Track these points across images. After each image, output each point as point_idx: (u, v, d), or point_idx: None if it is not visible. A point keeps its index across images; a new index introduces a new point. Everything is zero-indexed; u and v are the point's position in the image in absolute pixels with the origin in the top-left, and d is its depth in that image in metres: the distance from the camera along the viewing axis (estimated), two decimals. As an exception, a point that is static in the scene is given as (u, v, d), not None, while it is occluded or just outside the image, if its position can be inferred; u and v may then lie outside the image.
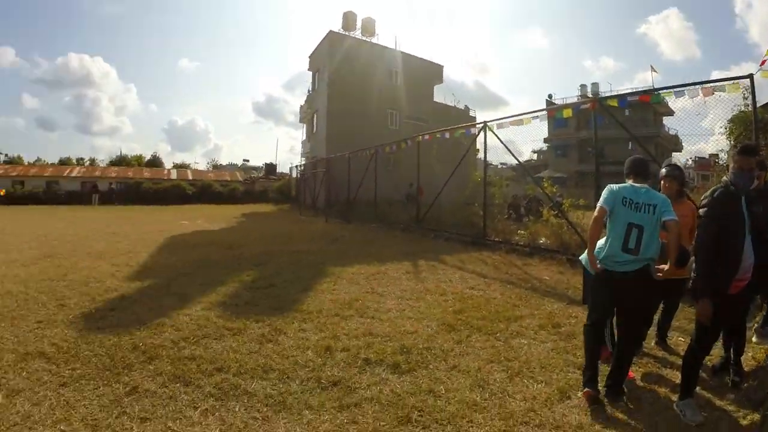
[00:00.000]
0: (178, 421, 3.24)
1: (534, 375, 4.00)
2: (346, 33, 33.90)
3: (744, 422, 3.37)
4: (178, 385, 3.80)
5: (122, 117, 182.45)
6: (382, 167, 19.49)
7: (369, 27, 35.07)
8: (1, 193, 38.86)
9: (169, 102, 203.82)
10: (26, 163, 58.27)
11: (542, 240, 10.83)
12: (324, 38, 33.88)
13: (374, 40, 35.00)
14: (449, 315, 5.77)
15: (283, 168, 56.11)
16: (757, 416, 3.42)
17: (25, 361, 4.41)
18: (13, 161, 59.89)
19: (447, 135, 14.07)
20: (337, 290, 7.10)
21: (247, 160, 78.87)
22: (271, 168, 54.00)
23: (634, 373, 4.07)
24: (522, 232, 12.03)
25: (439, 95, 37.70)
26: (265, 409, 3.37)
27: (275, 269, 8.70)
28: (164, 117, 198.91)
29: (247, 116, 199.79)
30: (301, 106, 41.49)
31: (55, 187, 42.05)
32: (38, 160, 64.40)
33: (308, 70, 38.20)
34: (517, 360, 4.32)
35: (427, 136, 15.34)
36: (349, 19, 34.45)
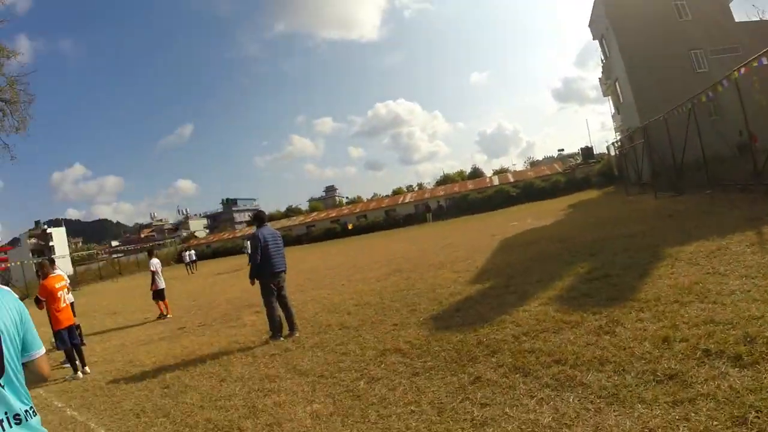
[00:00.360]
0: (514, 408, 3.58)
1: None
2: None
3: None
4: (517, 375, 4.17)
5: (436, 141, 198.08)
6: (705, 120, 16.73)
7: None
8: (349, 227, 46.94)
9: (474, 115, 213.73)
10: (365, 200, 69.52)
11: None
12: (595, 1, 31.29)
13: None
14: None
15: (599, 148, 52.78)
16: None
17: (383, 356, 5.55)
18: (354, 201, 73.56)
19: (765, 60, 10.94)
20: (675, 274, 6.48)
21: (562, 150, 76.41)
22: (587, 152, 50.74)
23: None
24: None
25: (739, 12, 30.56)
26: (598, 401, 3.42)
27: (609, 257, 8.42)
28: (473, 130, 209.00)
29: (550, 106, 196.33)
30: (600, 79, 38.76)
31: (392, 214, 48.85)
32: (375, 195, 75.87)
33: (593, 39, 35.67)
34: None
35: (742, 69, 12.14)
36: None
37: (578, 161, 51.76)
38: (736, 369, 3.52)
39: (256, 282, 7.78)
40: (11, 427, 1.75)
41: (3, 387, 1.78)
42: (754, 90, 13.44)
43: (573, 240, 11.48)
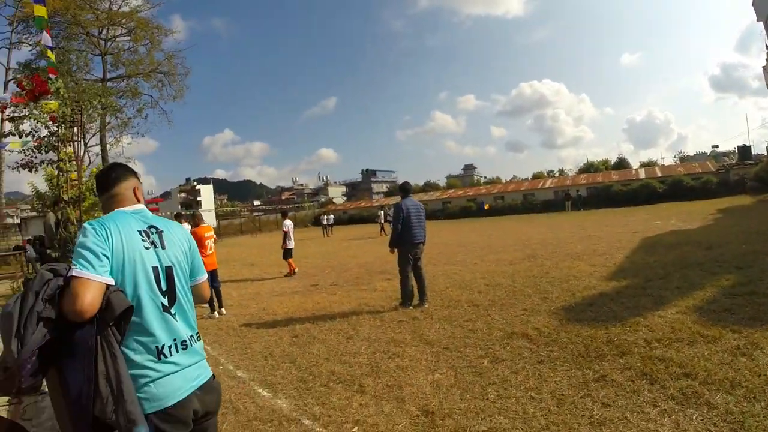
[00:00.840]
0: (635, 414, 3.57)
1: None
2: None
3: None
4: (643, 381, 4.11)
5: (581, 126, 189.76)
6: None
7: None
8: (486, 207, 46.53)
9: (623, 101, 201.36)
10: (503, 182, 68.77)
11: None
12: None
13: None
14: None
15: (758, 149, 47.30)
16: None
17: (510, 339, 5.67)
18: (492, 181, 73.27)
19: None
20: None
21: (716, 146, 70.14)
22: (744, 151, 44.90)
23: None
24: None
25: None
26: (722, 425, 3.31)
27: (757, 273, 7.75)
28: (621, 117, 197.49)
29: (707, 95, 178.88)
30: (763, 68, 34.00)
31: (530, 198, 47.64)
32: (514, 177, 74.77)
33: (757, 20, 30.79)
34: None
35: None
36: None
37: (733, 161, 46.45)
38: None
39: (394, 250, 8.13)
40: (177, 352, 1.96)
41: (174, 315, 2.02)
42: None
43: (719, 249, 10.68)
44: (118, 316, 1.75)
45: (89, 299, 1.69)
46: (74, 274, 1.74)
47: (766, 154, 39.41)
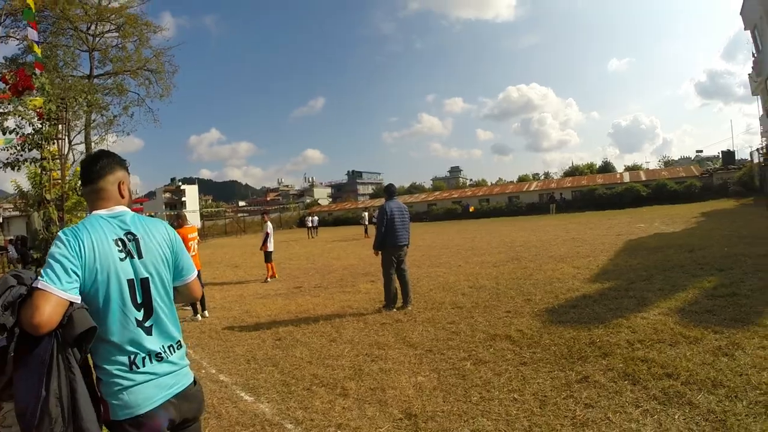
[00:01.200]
0: (617, 414, 3.59)
1: None
2: None
3: None
4: (626, 382, 4.14)
5: (567, 130, 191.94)
6: None
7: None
8: (471, 209, 47.03)
9: (609, 106, 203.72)
10: (489, 184, 69.55)
11: None
12: None
13: None
14: None
15: (742, 154, 48.36)
16: None
17: (493, 341, 5.69)
18: (478, 184, 73.92)
19: None
20: None
21: (701, 151, 71.33)
22: (728, 156, 46.11)
23: None
24: None
25: None
26: (703, 423, 3.34)
27: (739, 275, 7.92)
28: (607, 122, 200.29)
29: (692, 101, 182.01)
30: (749, 75, 34.64)
31: (515, 201, 48.41)
32: (499, 180, 75.50)
33: (744, 29, 31.43)
34: None
35: None
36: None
37: (717, 165, 47.39)
38: None
39: (379, 253, 8.11)
40: (152, 363, 1.91)
41: (150, 327, 1.96)
42: None
43: (702, 251, 10.84)
44: (80, 335, 1.71)
45: (48, 314, 1.65)
46: (39, 286, 1.70)
47: (749, 159, 39.94)
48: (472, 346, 5.57)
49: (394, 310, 7.73)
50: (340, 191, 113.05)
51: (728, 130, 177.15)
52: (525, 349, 5.28)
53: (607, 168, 63.91)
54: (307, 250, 22.61)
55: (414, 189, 77.22)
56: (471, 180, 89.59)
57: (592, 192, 44.20)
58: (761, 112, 34.25)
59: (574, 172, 65.01)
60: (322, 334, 6.74)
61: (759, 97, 34.00)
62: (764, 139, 33.39)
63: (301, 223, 51.70)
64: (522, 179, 68.78)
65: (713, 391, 3.80)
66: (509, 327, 6.17)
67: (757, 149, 32.99)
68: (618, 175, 51.03)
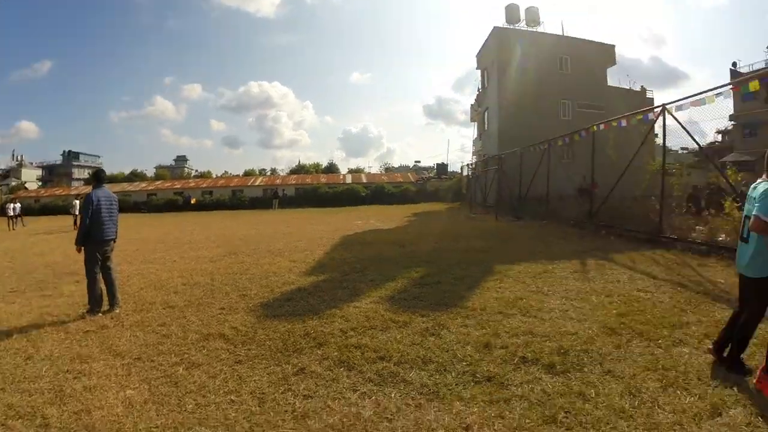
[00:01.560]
0: (337, 401, 3.63)
1: (689, 387, 3.76)
2: (511, 26, 33.76)
3: None
4: (341, 369, 4.23)
5: (300, 130, 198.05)
6: (556, 161, 18.93)
7: (533, 16, 34.67)
8: (193, 201, 45.76)
9: (344, 113, 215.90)
10: (214, 176, 68.76)
11: (722, 237, 9.81)
12: (489, 35, 33.98)
13: (539, 29, 34.31)
14: (612, 318, 5.54)
15: (454, 167, 57.06)
16: None
17: (206, 341, 5.33)
18: (203, 175, 72.40)
19: (624, 123, 13.26)
20: (502, 288, 7.15)
21: (419, 162, 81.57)
22: (442, 168, 55.05)
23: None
24: (700, 228, 11.01)
25: (613, 78, 35.67)
26: (419, 397, 3.60)
27: (443, 267, 8.97)
28: (340, 127, 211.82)
29: (419, 119, 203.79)
30: (472, 105, 42.03)
31: (239, 195, 48.16)
32: (225, 173, 74.98)
33: (477, 68, 38.53)
34: (674, 369, 4.07)
35: (602, 125, 14.55)
36: (512, 11, 34.42)
37: (432, 175, 55.78)
38: (549, 375, 3.96)
39: (81, 248, 7.04)
40: None
41: None
42: (608, 146, 15.36)
43: (412, 246, 12.04)
44: None
45: None
46: None
47: (459, 171, 47.56)
48: (185, 348, 5.12)
49: (100, 314, 6.75)
50: (52, 174, 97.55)
51: (445, 147, 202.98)
52: (240, 347, 5.04)
53: (331, 169, 67.52)
54: (5, 245, 19.07)
55: (134, 177, 71.31)
56: (197, 171, 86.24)
57: (316, 190, 46.59)
58: (475, 135, 41.56)
59: (300, 170, 67.49)
60: (17, 352, 5.51)
61: (476, 123, 41.28)
62: (474, 156, 39.94)
63: (1, 211, 43.76)
64: (248, 173, 68.76)
65: (424, 368, 4.13)
66: (223, 325, 5.87)
67: (467, 164, 39.61)
68: (341, 176, 54.70)
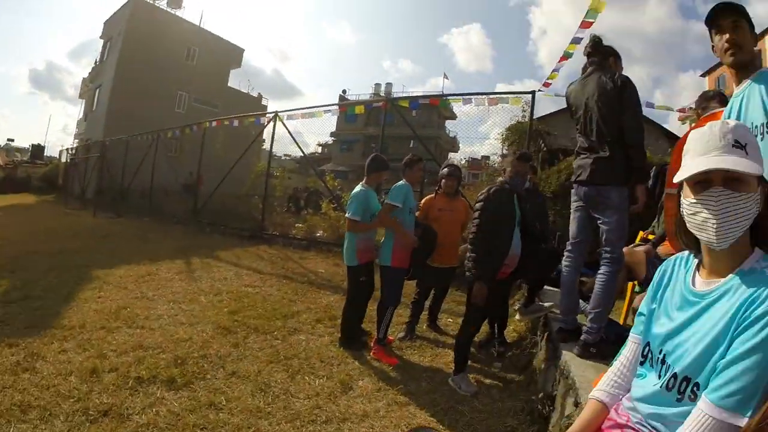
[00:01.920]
0: None
1: (315, 371, 4.03)
2: (151, 1, 30.96)
3: (512, 385, 3.99)
4: None
5: None
6: (163, 154, 18.23)
7: (178, -2, 32.35)
8: None
9: None
10: None
11: (319, 233, 11.15)
12: (125, 3, 30.14)
13: (180, 12, 32.66)
14: (224, 317, 5.51)
15: (52, 151, 48.76)
16: (522, 378, 4.08)
17: None
18: None
19: (236, 123, 13.79)
20: (102, 297, 6.28)
21: (12, 140, 65.79)
22: (37, 150, 45.36)
23: (412, 356, 4.59)
24: (300, 225, 12.25)
25: (235, 80, 36.66)
26: None
27: (32, 275, 7.41)
28: None
29: (22, 86, 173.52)
30: (84, 79, 36.53)
31: None
32: None
33: (100, 37, 33.46)
34: (296, 357, 4.30)
35: (215, 123, 14.78)
36: (156, -16, 31.20)
37: (25, 158, 44.59)
38: (172, 392, 3.59)
39: None
40: None
41: None
42: (218, 144, 15.79)
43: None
44: None
45: None
46: None
47: (57, 157, 39.87)
48: None
49: None
50: None
51: (46, 125, 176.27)
52: None
53: None
54: None
55: None
56: None
57: None
58: (81, 115, 35.75)
59: None
60: None
61: (84, 101, 35.55)
62: (76, 140, 34.18)
63: None
64: None
65: (25, 418, 3.17)
66: None
67: (68, 149, 32.73)
68: None
